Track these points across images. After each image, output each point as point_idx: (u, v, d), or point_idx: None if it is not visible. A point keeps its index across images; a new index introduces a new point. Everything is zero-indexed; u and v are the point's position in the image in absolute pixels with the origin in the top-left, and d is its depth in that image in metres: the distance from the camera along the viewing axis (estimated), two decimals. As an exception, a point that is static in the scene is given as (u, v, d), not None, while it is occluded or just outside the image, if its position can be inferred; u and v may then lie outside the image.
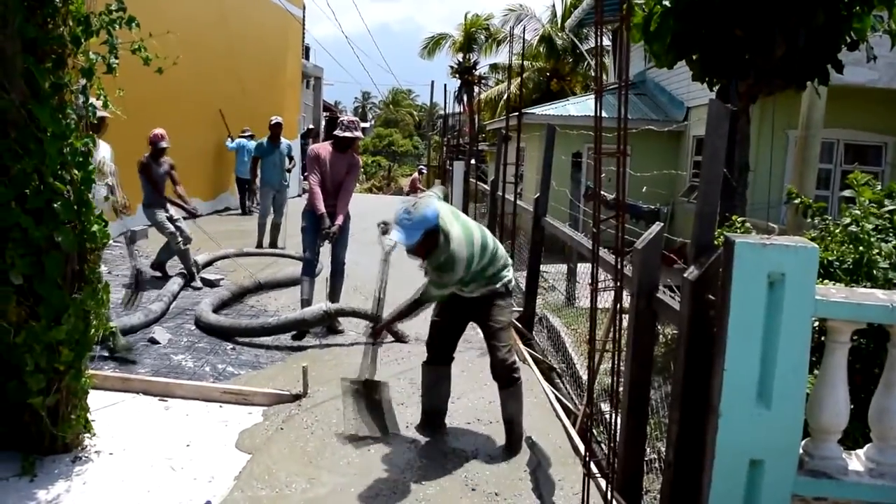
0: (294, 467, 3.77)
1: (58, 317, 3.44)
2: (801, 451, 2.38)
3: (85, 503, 3.29)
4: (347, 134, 6.27)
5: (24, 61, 3.24)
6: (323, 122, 27.35)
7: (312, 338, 6.14)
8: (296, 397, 4.64)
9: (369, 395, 4.28)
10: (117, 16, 3.63)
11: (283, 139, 10.44)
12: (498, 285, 4.07)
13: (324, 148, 6.39)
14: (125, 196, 5.39)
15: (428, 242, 3.75)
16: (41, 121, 3.27)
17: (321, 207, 6.22)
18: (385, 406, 4.29)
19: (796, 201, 3.97)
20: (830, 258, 3.28)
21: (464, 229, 3.90)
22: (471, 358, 5.42)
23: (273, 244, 10.07)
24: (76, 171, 3.48)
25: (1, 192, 3.26)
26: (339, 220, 6.32)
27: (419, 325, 5.92)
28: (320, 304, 6.26)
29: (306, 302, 6.45)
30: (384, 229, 4.38)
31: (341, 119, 6.56)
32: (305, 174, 7.53)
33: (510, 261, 4.24)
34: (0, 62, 3.18)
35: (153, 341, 5.70)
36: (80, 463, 3.64)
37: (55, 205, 3.37)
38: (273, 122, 10.40)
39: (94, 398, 3.98)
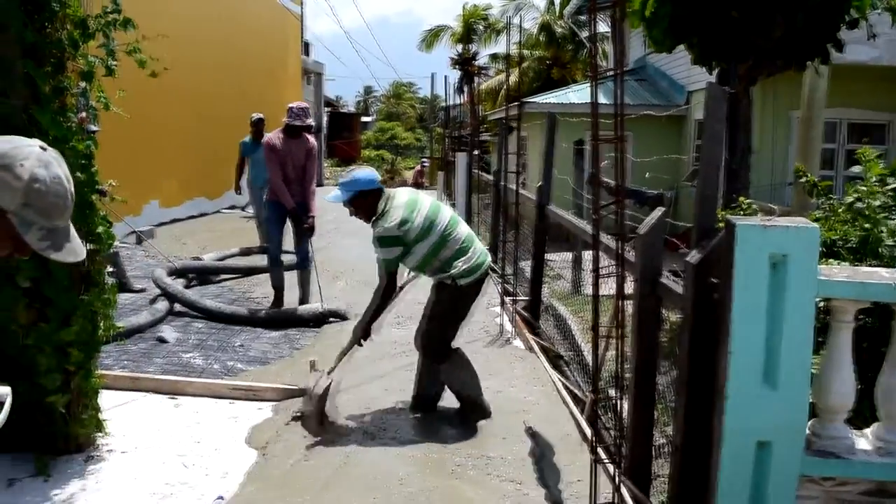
0: (304, 461, 3.79)
1: (66, 318, 3.47)
2: (808, 431, 2.39)
3: (100, 502, 3.33)
4: (298, 122, 6.33)
5: (24, 66, 3.25)
6: (325, 118, 27.31)
7: (317, 332, 6.17)
8: (304, 391, 4.66)
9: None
10: (113, 18, 3.63)
11: (267, 135, 10.17)
12: (443, 275, 4.17)
13: (276, 137, 6.43)
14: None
15: (362, 204, 4.12)
16: (42, 124, 3.28)
17: (290, 202, 6.31)
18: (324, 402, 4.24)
19: (802, 180, 3.95)
20: (834, 237, 3.27)
21: (410, 201, 4.14)
22: (477, 349, 5.44)
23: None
24: (79, 174, 3.49)
25: (5, 197, 3.27)
26: (314, 210, 6.45)
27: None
28: (316, 304, 6.49)
29: (278, 289, 6.66)
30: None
31: (290, 106, 6.51)
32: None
33: (475, 254, 4.21)
34: (0, 67, 3.20)
35: (162, 340, 5.74)
36: (93, 462, 3.67)
37: (59, 208, 3.38)
38: (254, 119, 10.02)
39: (106, 398, 4.01)
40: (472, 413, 4.30)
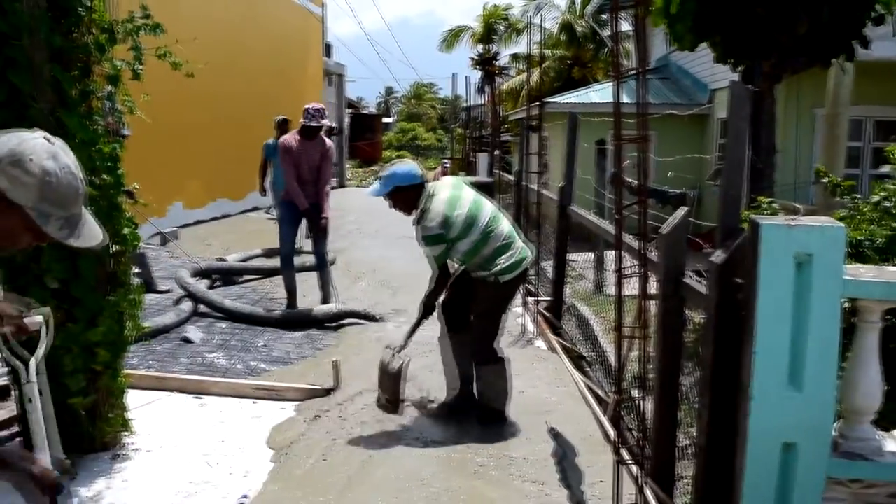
0: (327, 460, 3.81)
1: (93, 318, 3.52)
2: (834, 432, 2.36)
3: (126, 500, 3.37)
4: (314, 123, 6.36)
5: (52, 70, 3.30)
6: (347, 120, 27.41)
7: (339, 333, 6.19)
8: (327, 392, 4.69)
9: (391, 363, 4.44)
10: (142, 23, 3.69)
11: (283, 136, 10.16)
12: (485, 272, 4.16)
13: (292, 138, 6.47)
14: None
15: (401, 198, 4.17)
16: (69, 128, 3.33)
17: (304, 203, 6.35)
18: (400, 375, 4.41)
19: (824, 180, 3.91)
20: (860, 237, 3.23)
21: (451, 197, 4.12)
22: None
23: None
24: (106, 176, 3.54)
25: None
26: (327, 211, 6.48)
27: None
28: (330, 306, 6.55)
29: (291, 292, 6.67)
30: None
31: (307, 107, 6.52)
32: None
33: (517, 250, 4.22)
34: (28, 72, 3.25)
35: (187, 340, 5.80)
36: (119, 461, 3.72)
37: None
38: (278, 121, 9.96)
39: (132, 397, 4.07)
40: (490, 421, 4.28)
